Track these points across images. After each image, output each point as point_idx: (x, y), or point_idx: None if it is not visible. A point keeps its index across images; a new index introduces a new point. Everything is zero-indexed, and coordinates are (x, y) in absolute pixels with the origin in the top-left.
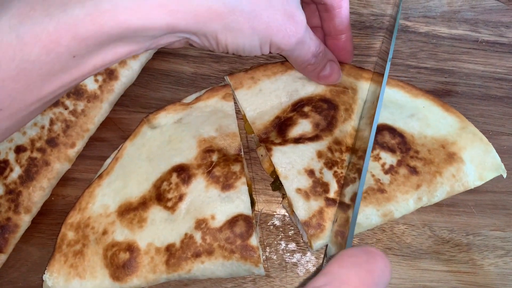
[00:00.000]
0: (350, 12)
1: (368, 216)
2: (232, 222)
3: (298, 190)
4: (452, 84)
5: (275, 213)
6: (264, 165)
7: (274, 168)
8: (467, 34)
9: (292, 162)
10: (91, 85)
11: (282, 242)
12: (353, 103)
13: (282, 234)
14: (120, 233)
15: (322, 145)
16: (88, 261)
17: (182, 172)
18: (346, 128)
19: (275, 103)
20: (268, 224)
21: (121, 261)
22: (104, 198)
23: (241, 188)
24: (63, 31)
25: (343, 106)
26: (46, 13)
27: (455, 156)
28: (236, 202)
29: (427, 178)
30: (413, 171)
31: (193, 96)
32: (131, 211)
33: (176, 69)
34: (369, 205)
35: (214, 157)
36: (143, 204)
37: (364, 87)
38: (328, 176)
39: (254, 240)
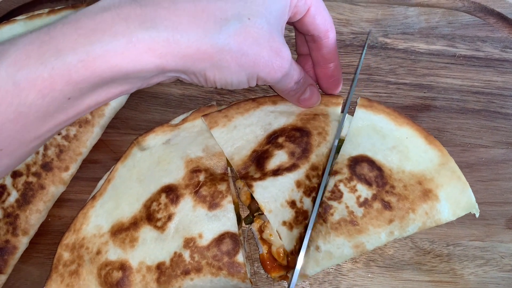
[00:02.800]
0: None
1: (339, 246)
2: (219, 240)
3: (284, 223)
4: (431, 98)
5: (251, 230)
6: (242, 197)
7: (251, 201)
8: (445, 49)
9: (274, 196)
10: None
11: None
12: (326, 126)
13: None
14: (113, 253)
15: (300, 173)
16: (83, 280)
17: (171, 192)
18: (322, 151)
19: (251, 137)
20: (256, 239)
21: (114, 279)
22: (98, 219)
23: (227, 206)
24: (57, 77)
25: (316, 131)
26: (41, 61)
27: (430, 194)
28: (222, 220)
29: (400, 214)
30: (387, 206)
31: (181, 117)
32: (123, 231)
33: (165, 91)
34: (340, 236)
35: (201, 177)
36: (134, 224)
37: (335, 111)
38: (307, 204)
39: (240, 257)
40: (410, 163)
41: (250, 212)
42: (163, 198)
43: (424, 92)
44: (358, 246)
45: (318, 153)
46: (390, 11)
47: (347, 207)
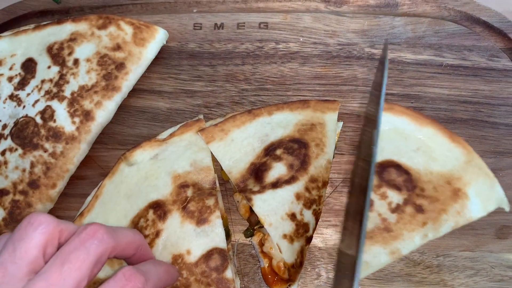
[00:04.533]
0: (317, 43)
1: (375, 255)
2: (208, 256)
3: (284, 236)
4: (419, 109)
5: (250, 243)
6: (240, 211)
7: (251, 214)
8: (432, 59)
9: (274, 209)
10: (68, 127)
11: (259, 271)
12: (323, 137)
13: (259, 263)
14: (101, 271)
15: (299, 186)
16: None
17: (158, 208)
18: (320, 162)
19: (248, 150)
20: (245, 253)
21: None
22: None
23: (215, 221)
24: None
25: (313, 143)
26: None
27: (460, 192)
28: (211, 236)
29: (432, 216)
30: (419, 209)
31: (169, 131)
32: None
33: (152, 106)
34: (376, 244)
35: (189, 192)
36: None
37: (332, 118)
38: (308, 216)
39: (229, 273)
40: (436, 164)
41: (249, 225)
42: (151, 214)
43: (412, 102)
44: (394, 252)
45: (316, 165)
46: (376, 21)
47: (379, 214)
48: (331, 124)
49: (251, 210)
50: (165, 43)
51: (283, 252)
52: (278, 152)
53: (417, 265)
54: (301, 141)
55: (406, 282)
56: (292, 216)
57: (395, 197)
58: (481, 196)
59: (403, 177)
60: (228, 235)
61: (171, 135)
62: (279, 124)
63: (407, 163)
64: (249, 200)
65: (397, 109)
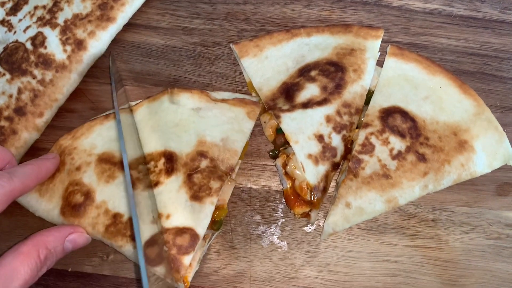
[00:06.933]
0: None
1: (371, 201)
2: (180, 231)
3: (309, 156)
4: (428, 57)
5: (241, 186)
6: (267, 132)
7: (276, 136)
8: (441, 8)
9: (302, 127)
10: (59, 54)
11: (248, 214)
12: (361, 63)
13: (248, 206)
14: (89, 177)
15: (330, 108)
16: (53, 185)
17: (170, 161)
18: (356, 89)
19: (282, 69)
20: (234, 196)
21: (74, 201)
22: (97, 138)
23: (207, 206)
24: None
25: (351, 68)
26: None
27: (466, 145)
28: (195, 215)
29: (435, 166)
30: (422, 158)
31: (224, 94)
32: (108, 163)
33: (147, 41)
34: (372, 190)
35: (203, 164)
36: (122, 165)
37: (374, 46)
38: (336, 141)
39: (187, 259)
40: (444, 114)
41: (275, 147)
42: (161, 163)
43: (417, 52)
44: (390, 200)
45: (351, 91)
46: None
47: (379, 160)
48: (372, 51)
49: (277, 132)
50: None
51: (307, 172)
52: (313, 73)
53: (411, 217)
54: (339, 65)
55: (399, 235)
56: (320, 138)
57: (398, 143)
58: (488, 151)
59: (408, 124)
60: (219, 227)
61: (223, 100)
62: (317, 46)
63: (414, 110)
64: (277, 117)
65: (407, 55)
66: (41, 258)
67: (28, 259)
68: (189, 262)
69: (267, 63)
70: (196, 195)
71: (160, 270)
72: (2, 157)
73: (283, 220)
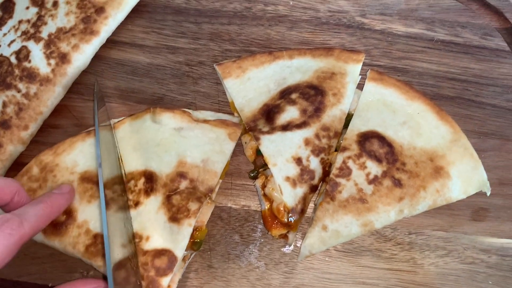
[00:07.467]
0: (307, 8)
1: (347, 224)
2: (158, 253)
3: (287, 178)
4: (407, 82)
5: (221, 205)
6: (247, 152)
7: (256, 157)
8: (423, 33)
9: (280, 150)
10: (43, 68)
11: (227, 234)
12: (341, 87)
13: (227, 226)
14: None
15: (309, 132)
16: None
17: (150, 181)
18: (335, 112)
19: (264, 91)
20: (214, 215)
21: (56, 219)
22: (79, 155)
23: (185, 227)
24: None
25: (331, 91)
26: None
27: (442, 171)
28: (173, 237)
29: (410, 191)
30: (398, 183)
31: (206, 114)
32: (90, 183)
33: (132, 59)
34: (349, 214)
35: (183, 185)
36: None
37: (354, 70)
38: (315, 163)
39: (165, 281)
40: (421, 139)
41: (254, 168)
42: (141, 183)
43: (398, 75)
44: (366, 224)
45: (330, 114)
46: None
47: (356, 184)
48: (352, 75)
49: (257, 153)
50: None
51: (284, 194)
52: (294, 96)
53: (388, 241)
54: (319, 88)
55: (375, 257)
56: (298, 160)
57: (374, 168)
58: (463, 177)
59: (385, 149)
60: (199, 247)
61: (205, 121)
62: (299, 69)
63: (392, 135)
64: (257, 139)
65: (386, 80)
66: None
67: None
68: (168, 284)
69: (249, 85)
70: (175, 217)
71: None
72: (9, 189)
73: (262, 240)
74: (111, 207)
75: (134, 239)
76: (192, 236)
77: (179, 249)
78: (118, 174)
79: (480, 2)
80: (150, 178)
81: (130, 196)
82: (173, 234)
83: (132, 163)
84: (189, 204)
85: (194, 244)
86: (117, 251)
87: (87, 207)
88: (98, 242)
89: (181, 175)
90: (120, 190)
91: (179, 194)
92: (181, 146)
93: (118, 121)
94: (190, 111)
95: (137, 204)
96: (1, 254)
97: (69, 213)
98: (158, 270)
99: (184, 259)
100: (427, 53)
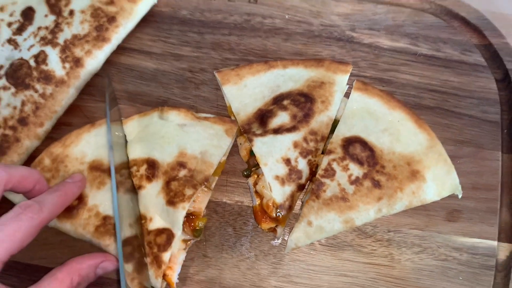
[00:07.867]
0: (301, 21)
1: (330, 221)
2: (159, 232)
3: (276, 177)
4: (389, 92)
5: (217, 200)
6: (242, 153)
7: (250, 157)
8: (407, 47)
9: (271, 151)
10: (59, 71)
11: (221, 226)
12: (329, 96)
13: (222, 219)
14: None
15: (298, 135)
16: None
17: (152, 168)
18: (322, 118)
19: (259, 97)
20: (210, 209)
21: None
22: (86, 145)
23: (179, 210)
24: None
25: (320, 99)
26: None
27: (418, 174)
28: (169, 218)
29: (388, 192)
30: (377, 184)
31: (206, 114)
32: (99, 171)
33: (140, 65)
34: (332, 211)
35: (182, 173)
36: (110, 171)
37: (342, 80)
38: (302, 164)
39: (166, 256)
40: (400, 145)
41: (248, 167)
42: (143, 169)
43: (383, 86)
44: (348, 221)
45: (318, 120)
46: (360, 7)
47: (339, 184)
48: (340, 85)
49: (250, 154)
50: (156, 2)
51: (274, 191)
52: (285, 102)
53: (368, 237)
54: (309, 96)
55: (356, 252)
56: (287, 161)
57: (356, 170)
58: (437, 181)
59: (367, 153)
60: (199, 234)
61: (206, 118)
62: (292, 77)
63: (374, 141)
64: (250, 141)
65: (371, 90)
66: (74, 284)
67: (62, 284)
68: (169, 259)
69: (246, 91)
70: (172, 200)
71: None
72: (32, 178)
73: (253, 233)
74: (119, 189)
75: (140, 219)
76: (193, 224)
77: (177, 227)
78: (125, 160)
79: (461, 20)
80: (152, 165)
81: (134, 180)
82: (170, 216)
83: (136, 151)
84: (185, 190)
85: (195, 231)
86: (125, 230)
87: (97, 193)
88: (107, 223)
89: (181, 164)
90: (127, 174)
91: (177, 180)
92: (183, 140)
93: (128, 118)
94: (193, 112)
95: (140, 187)
96: (24, 236)
97: (80, 198)
98: (159, 246)
99: (185, 246)
100: (410, 66)
